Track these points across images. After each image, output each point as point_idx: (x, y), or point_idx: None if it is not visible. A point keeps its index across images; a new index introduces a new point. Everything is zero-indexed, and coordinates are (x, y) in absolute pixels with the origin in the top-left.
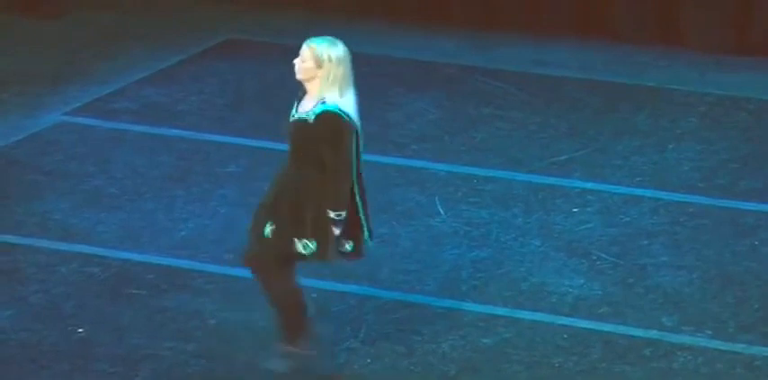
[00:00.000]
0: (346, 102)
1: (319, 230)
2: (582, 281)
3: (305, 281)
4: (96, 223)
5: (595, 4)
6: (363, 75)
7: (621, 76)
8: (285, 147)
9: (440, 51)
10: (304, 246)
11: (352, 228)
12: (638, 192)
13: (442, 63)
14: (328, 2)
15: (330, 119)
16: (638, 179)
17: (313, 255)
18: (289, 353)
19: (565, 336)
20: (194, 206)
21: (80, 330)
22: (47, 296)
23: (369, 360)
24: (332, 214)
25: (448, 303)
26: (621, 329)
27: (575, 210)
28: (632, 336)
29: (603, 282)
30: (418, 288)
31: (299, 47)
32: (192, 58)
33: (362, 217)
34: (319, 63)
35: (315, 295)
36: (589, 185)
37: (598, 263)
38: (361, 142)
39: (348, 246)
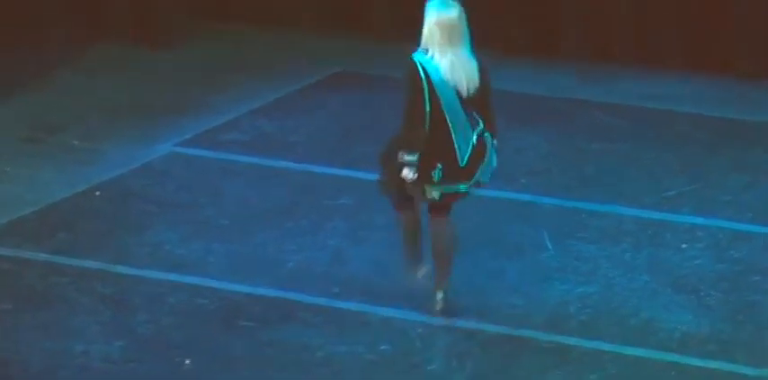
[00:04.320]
0: (438, 57)
1: (387, 166)
2: (690, 317)
3: (414, 315)
4: (206, 254)
5: (708, 38)
6: None
7: (734, 110)
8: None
9: (550, 85)
10: (380, 176)
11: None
12: (749, 228)
13: (552, 97)
14: None
15: (405, 66)
16: (749, 215)
17: (381, 185)
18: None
19: (672, 373)
20: (303, 238)
21: (187, 362)
22: (155, 327)
23: None
24: (400, 155)
25: (555, 338)
26: (730, 366)
27: (684, 245)
28: (742, 374)
29: (712, 318)
30: (525, 323)
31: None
32: (303, 89)
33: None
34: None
35: (420, 330)
36: (699, 221)
37: (707, 299)
38: (444, 93)
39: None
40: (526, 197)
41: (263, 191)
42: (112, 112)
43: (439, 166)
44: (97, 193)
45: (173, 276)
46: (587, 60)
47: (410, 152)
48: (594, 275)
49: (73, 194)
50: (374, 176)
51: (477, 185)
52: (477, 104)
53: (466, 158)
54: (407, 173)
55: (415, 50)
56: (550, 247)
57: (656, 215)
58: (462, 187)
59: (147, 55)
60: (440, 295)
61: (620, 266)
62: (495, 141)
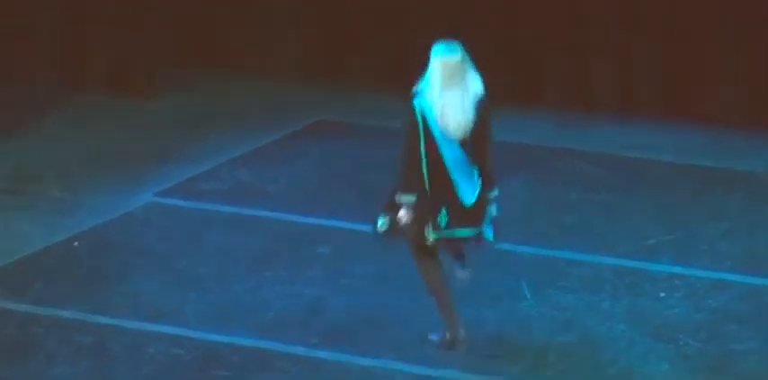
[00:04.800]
0: (438, 98)
1: (390, 209)
2: (668, 366)
3: (394, 364)
4: (184, 304)
5: (686, 87)
6: None
7: (712, 159)
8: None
9: (531, 133)
10: (381, 222)
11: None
12: (727, 277)
13: (532, 145)
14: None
15: (408, 107)
16: (728, 264)
17: (387, 232)
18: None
19: None
20: (282, 287)
21: None
22: (134, 377)
23: None
24: (397, 197)
25: None
26: None
27: (662, 294)
28: None
29: (690, 368)
30: (505, 371)
31: (389, 128)
32: (283, 139)
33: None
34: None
35: None
36: (677, 270)
37: (685, 348)
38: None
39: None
40: (505, 246)
41: (241, 240)
42: (92, 161)
43: (444, 210)
44: (75, 243)
45: (151, 326)
46: (567, 109)
47: (406, 194)
48: (573, 324)
49: (52, 245)
50: (353, 225)
51: (480, 238)
52: (475, 150)
53: (472, 201)
54: (403, 214)
55: (417, 93)
56: (529, 295)
57: (635, 264)
58: (465, 232)
59: (128, 104)
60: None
61: (599, 314)
62: (492, 192)
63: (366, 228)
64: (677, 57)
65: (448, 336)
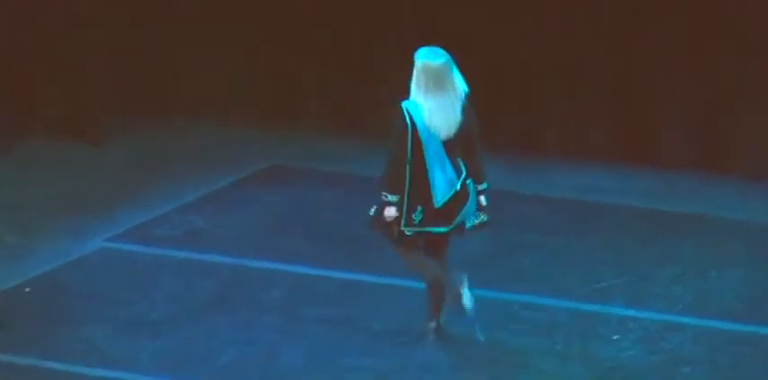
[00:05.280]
0: (423, 102)
1: (378, 206)
2: None
3: None
4: (137, 350)
5: (639, 132)
6: None
7: (664, 202)
8: (326, 272)
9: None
10: (374, 210)
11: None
12: (680, 319)
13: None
14: (371, 129)
15: (395, 111)
16: (680, 306)
17: (374, 219)
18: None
19: None
20: (236, 333)
21: None
22: None
23: None
24: (383, 195)
25: None
26: None
27: (615, 337)
28: None
29: None
30: None
31: (341, 173)
32: (234, 183)
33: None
34: (414, 66)
35: None
36: (630, 313)
37: None
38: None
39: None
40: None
41: (194, 285)
42: (44, 206)
43: (419, 208)
44: (27, 289)
45: (104, 372)
46: (517, 152)
47: (392, 193)
48: (526, 368)
49: (3, 290)
50: (306, 269)
51: (461, 230)
52: (462, 149)
53: (442, 202)
54: (388, 212)
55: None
56: (482, 339)
57: (588, 307)
58: (439, 230)
59: (79, 149)
60: (433, 325)
61: (552, 358)
62: (481, 186)
63: (319, 272)
64: (628, 101)
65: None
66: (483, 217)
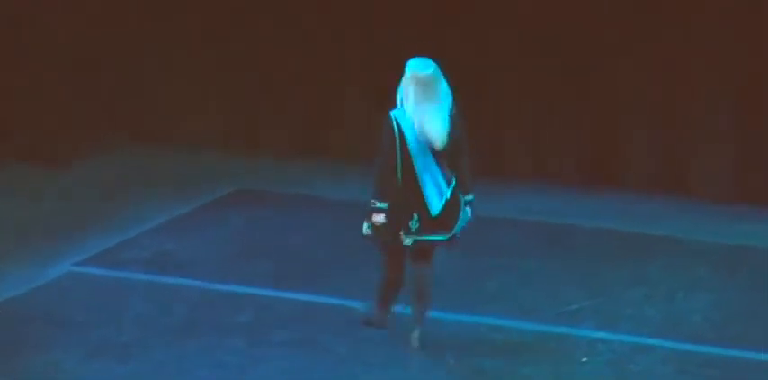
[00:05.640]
0: (413, 112)
1: (369, 217)
2: None
3: None
4: (106, 374)
5: (606, 155)
6: None
7: (633, 225)
8: (291, 295)
9: None
10: (366, 226)
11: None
12: (649, 341)
13: None
14: (334, 153)
15: (384, 120)
16: (649, 329)
17: (370, 236)
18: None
19: None
20: (203, 356)
21: None
22: None
23: None
24: (372, 202)
25: None
26: None
27: (584, 359)
28: None
29: None
30: None
31: (307, 196)
32: (202, 207)
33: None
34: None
35: None
36: (599, 335)
37: None
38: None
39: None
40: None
41: (162, 309)
42: (12, 231)
43: (416, 216)
44: None
45: None
46: (485, 176)
47: (380, 200)
48: None
49: None
50: (273, 292)
51: (453, 238)
52: (451, 158)
53: (437, 210)
54: (377, 218)
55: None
56: (452, 361)
57: (557, 329)
58: (439, 238)
59: (46, 174)
60: (417, 333)
61: None
62: (467, 197)
63: (285, 295)
64: (590, 124)
65: (373, 315)
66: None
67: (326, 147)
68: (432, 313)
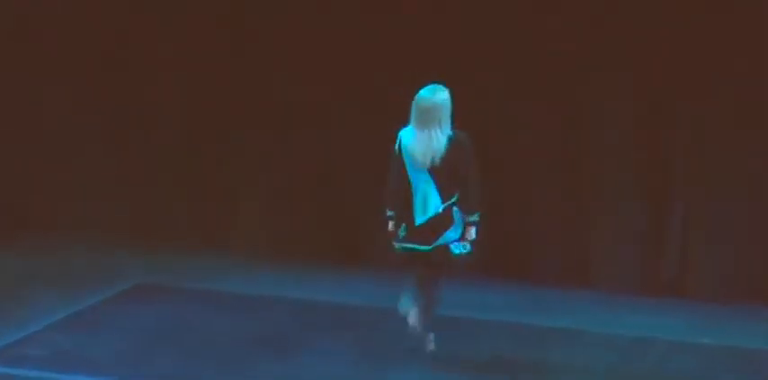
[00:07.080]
0: (412, 133)
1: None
2: None
3: None
4: None
5: (507, 247)
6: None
7: (533, 317)
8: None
9: (356, 294)
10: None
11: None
12: None
13: (358, 306)
14: (238, 245)
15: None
16: None
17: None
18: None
19: None
20: None
21: None
22: None
23: None
24: (386, 211)
25: None
26: None
27: None
28: None
29: None
30: None
31: (209, 291)
32: (103, 302)
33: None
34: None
35: None
36: None
37: None
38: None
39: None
40: None
41: None
42: None
43: (403, 225)
44: None
45: None
46: (393, 268)
47: (389, 209)
48: None
49: None
50: None
51: (447, 256)
52: (452, 178)
53: (420, 221)
54: (389, 225)
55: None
56: None
57: None
58: (420, 248)
59: None
60: (432, 335)
61: None
62: (471, 217)
63: None
64: (496, 213)
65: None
66: (469, 247)
67: (225, 240)
68: None
